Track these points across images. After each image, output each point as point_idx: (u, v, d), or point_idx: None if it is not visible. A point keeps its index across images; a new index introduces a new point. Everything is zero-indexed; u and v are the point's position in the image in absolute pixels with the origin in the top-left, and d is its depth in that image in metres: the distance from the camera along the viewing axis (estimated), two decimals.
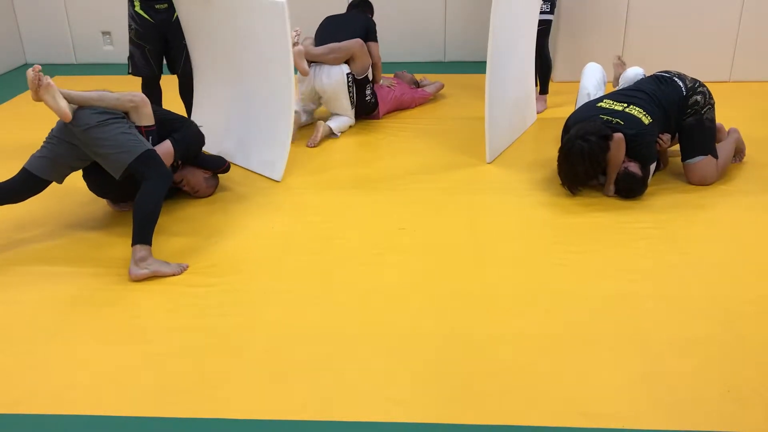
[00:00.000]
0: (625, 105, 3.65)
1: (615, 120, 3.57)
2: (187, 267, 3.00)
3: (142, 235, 2.97)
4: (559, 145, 3.72)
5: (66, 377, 2.40)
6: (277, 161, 3.97)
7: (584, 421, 2.15)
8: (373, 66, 4.78)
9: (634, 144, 3.54)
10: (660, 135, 3.69)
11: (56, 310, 2.77)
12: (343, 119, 4.64)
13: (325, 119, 4.60)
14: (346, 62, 4.55)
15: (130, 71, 4.23)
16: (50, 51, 6.62)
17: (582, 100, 4.10)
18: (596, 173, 3.58)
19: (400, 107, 5.05)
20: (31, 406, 2.27)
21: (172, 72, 4.37)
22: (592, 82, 4.21)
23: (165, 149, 3.35)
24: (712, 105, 3.78)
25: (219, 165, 3.74)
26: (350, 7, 5.14)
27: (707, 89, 3.78)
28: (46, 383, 2.37)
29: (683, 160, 3.77)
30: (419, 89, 5.21)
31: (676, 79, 3.79)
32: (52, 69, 6.41)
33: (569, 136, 3.60)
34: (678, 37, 5.45)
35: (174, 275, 2.95)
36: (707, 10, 5.38)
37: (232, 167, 3.99)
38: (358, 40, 4.54)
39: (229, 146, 4.21)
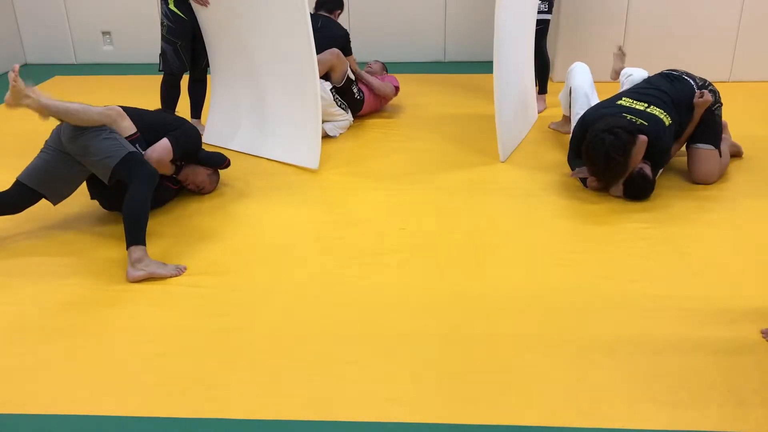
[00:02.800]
0: (646, 105, 3.61)
1: (639, 120, 3.52)
2: (185, 269, 3.00)
3: (134, 237, 2.97)
4: (563, 144, 3.71)
5: (66, 377, 2.40)
6: (311, 150, 4.02)
7: (584, 421, 2.15)
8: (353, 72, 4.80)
9: (655, 147, 3.50)
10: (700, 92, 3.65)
11: (56, 310, 2.77)
12: (338, 123, 4.65)
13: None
14: (325, 74, 4.54)
15: (161, 68, 4.26)
16: (50, 51, 6.62)
17: (581, 100, 4.09)
18: (627, 168, 3.46)
19: (375, 110, 5.02)
20: (31, 406, 2.27)
21: (194, 67, 4.38)
22: (586, 81, 4.20)
23: (163, 146, 3.36)
24: (721, 104, 3.79)
25: (220, 162, 3.77)
26: (318, 4, 4.91)
27: (715, 88, 3.79)
28: (46, 383, 2.37)
29: (691, 143, 3.75)
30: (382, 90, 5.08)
31: (686, 78, 3.78)
32: (52, 69, 6.42)
33: (596, 129, 3.46)
34: (678, 37, 5.45)
35: (171, 277, 2.95)
36: (707, 10, 5.38)
37: (262, 161, 4.05)
38: (334, 51, 4.51)
39: (255, 141, 4.26)
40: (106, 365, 2.45)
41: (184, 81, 4.43)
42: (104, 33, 6.54)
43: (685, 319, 2.63)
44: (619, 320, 2.63)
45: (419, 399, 2.26)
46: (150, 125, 3.39)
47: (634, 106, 3.63)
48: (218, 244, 3.24)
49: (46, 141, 3.23)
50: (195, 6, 4.12)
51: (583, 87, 4.16)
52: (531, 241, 3.24)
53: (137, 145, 3.26)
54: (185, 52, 4.21)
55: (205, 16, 4.18)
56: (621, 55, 4.41)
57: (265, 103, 4.23)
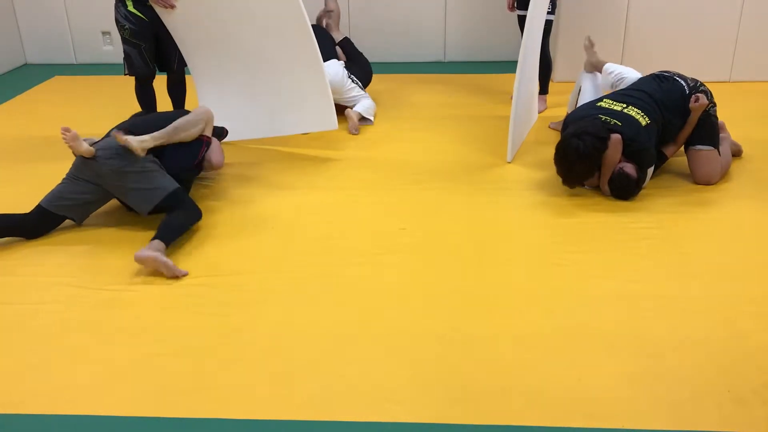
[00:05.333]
0: (624, 105, 3.66)
1: (613, 121, 3.58)
2: (186, 274, 2.97)
3: (165, 236, 3.05)
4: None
5: (66, 377, 2.40)
6: (325, 112, 4.10)
7: (584, 421, 2.15)
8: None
9: (632, 147, 3.53)
10: (696, 95, 3.67)
11: (56, 310, 2.77)
12: (365, 103, 4.77)
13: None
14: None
15: (126, 72, 4.22)
16: (50, 51, 6.62)
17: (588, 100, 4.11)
18: (592, 171, 3.57)
19: None
20: (31, 406, 2.27)
21: (165, 69, 4.36)
22: (596, 83, 4.23)
23: (218, 146, 3.59)
24: (714, 104, 3.79)
25: (222, 133, 3.90)
26: None
27: (707, 89, 3.79)
28: (46, 383, 2.37)
29: (690, 145, 3.76)
30: None
31: (677, 78, 3.80)
32: (52, 69, 6.42)
33: (566, 134, 3.61)
34: (678, 37, 5.45)
35: (170, 277, 2.93)
36: (707, 10, 5.37)
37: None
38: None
39: (263, 124, 4.31)
40: (106, 365, 2.45)
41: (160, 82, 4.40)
42: (104, 33, 6.53)
43: (685, 319, 2.63)
44: (619, 320, 2.63)
45: (419, 399, 2.26)
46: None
47: (612, 107, 3.68)
48: (218, 245, 3.24)
49: (70, 170, 3.29)
50: (158, 8, 4.00)
51: (592, 89, 4.18)
52: (531, 241, 3.24)
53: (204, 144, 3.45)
54: (150, 55, 4.17)
55: (172, 17, 4.08)
56: (590, 46, 4.37)
57: (264, 83, 4.21)
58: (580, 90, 4.29)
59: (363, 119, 4.75)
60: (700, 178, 3.72)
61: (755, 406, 2.19)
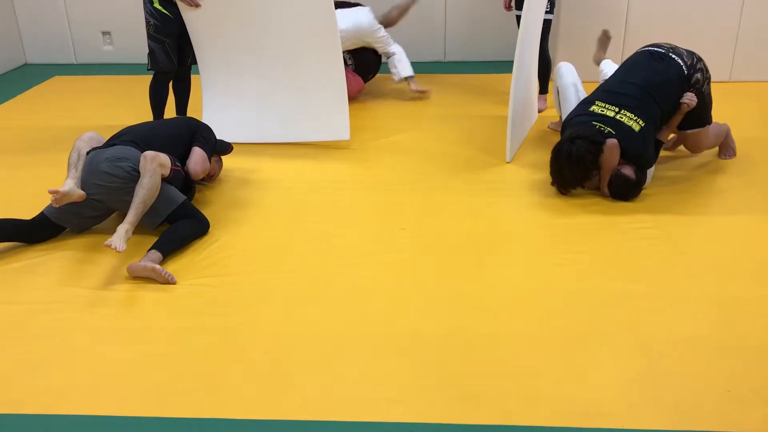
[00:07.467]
0: (616, 110, 3.61)
1: (607, 129, 3.54)
2: (175, 282, 2.93)
3: (164, 247, 3.04)
4: None
5: (66, 377, 2.40)
6: (340, 122, 4.12)
7: (584, 421, 2.15)
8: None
9: (627, 155, 3.53)
10: (688, 94, 3.67)
11: (56, 310, 2.77)
12: (401, 59, 5.02)
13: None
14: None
15: (149, 67, 4.26)
16: (50, 51, 6.62)
17: (570, 99, 4.11)
18: (585, 177, 3.56)
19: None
20: (31, 406, 2.27)
21: (180, 65, 4.38)
22: (573, 78, 4.26)
23: (200, 157, 3.50)
24: (709, 79, 3.78)
25: (227, 148, 3.88)
26: None
27: (704, 63, 3.76)
28: (46, 383, 2.37)
29: (681, 129, 3.83)
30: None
31: (674, 56, 3.72)
32: (52, 69, 6.42)
33: (561, 138, 3.62)
34: (678, 37, 5.41)
35: (164, 283, 2.91)
36: (707, 10, 5.38)
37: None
38: None
39: (271, 130, 4.30)
40: (106, 365, 2.45)
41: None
42: (104, 33, 6.53)
43: (685, 319, 2.63)
44: (619, 320, 2.63)
45: (419, 399, 2.26)
46: (175, 139, 3.49)
47: (604, 112, 3.62)
48: (218, 244, 3.24)
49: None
50: (182, 6, 4.08)
51: (570, 86, 4.20)
52: (531, 241, 3.24)
53: (177, 163, 3.35)
54: (173, 51, 4.21)
55: (193, 15, 4.13)
56: (606, 39, 4.39)
57: (281, 88, 4.22)
58: (558, 90, 4.29)
59: (410, 78, 5.04)
60: (692, 148, 3.92)
61: (755, 406, 2.19)
